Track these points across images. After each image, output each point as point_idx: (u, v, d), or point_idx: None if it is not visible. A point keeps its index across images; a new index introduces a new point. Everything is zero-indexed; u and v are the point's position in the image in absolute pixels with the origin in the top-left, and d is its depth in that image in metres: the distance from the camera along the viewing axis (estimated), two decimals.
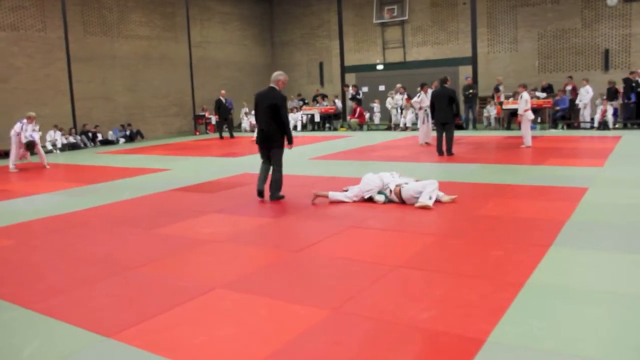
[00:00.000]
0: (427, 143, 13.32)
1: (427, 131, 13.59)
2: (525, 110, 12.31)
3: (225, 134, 19.30)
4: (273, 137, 7.35)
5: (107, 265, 4.78)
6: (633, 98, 16.14)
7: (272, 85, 7.40)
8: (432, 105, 11.78)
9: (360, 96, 20.95)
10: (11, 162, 12.50)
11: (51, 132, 16.89)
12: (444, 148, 11.47)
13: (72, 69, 17.67)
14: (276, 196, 7.41)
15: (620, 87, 16.67)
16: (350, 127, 19.98)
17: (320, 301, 3.72)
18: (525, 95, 12.43)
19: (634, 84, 16.17)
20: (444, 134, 11.49)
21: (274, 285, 4.13)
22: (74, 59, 17.84)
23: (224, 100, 19.15)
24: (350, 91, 20.80)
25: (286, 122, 7.37)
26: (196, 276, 4.40)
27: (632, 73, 16.52)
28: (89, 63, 18.82)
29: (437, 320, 3.33)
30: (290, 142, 7.45)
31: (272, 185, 7.42)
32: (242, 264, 4.67)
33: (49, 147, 16.71)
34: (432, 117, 12.05)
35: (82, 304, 3.92)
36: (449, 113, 11.41)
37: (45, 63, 17.71)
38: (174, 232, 5.91)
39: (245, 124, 22.09)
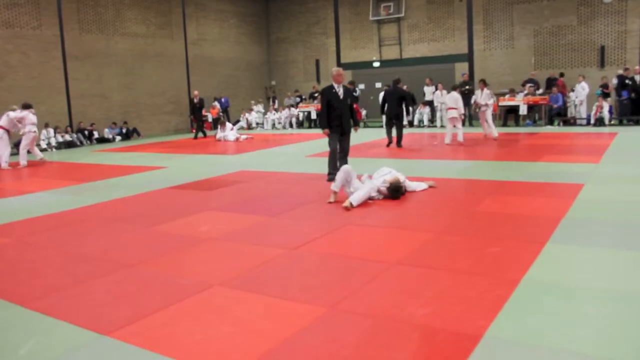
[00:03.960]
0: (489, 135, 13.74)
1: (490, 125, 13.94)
2: (479, 105, 13.50)
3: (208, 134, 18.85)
4: None
5: (104, 263, 4.78)
6: (625, 95, 16.18)
7: None
8: (384, 102, 13.25)
9: (357, 93, 20.95)
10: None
11: (44, 131, 16.82)
12: (394, 140, 12.95)
13: (67, 67, 17.60)
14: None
15: (611, 83, 16.78)
16: None
17: (317, 299, 3.72)
18: (483, 92, 13.47)
19: (627, 81, 16.21)
20: (393, 128, 13.00)
21: (271, 282, 4.13)
22: (70, 57, 17.77)
23: (195, 101, 18.38)
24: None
25: (320, 112, 8.79)
26: (193, 274, 4.40)
27: (625, 70, 16.57)
28: (84, 61, 18.76)
29: (435, 316, 3.34)
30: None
31: None
32: (239, 262, 4.67)
33: (44, 145, 16.66)
34: (382, 113, 13.62)
35: (79, 302, 3.91)
36: (398, 110, 12.89)
37: (41, 61, 17.65)
38: (171, 229, 5.90)
39: (242, 122, 22.08)
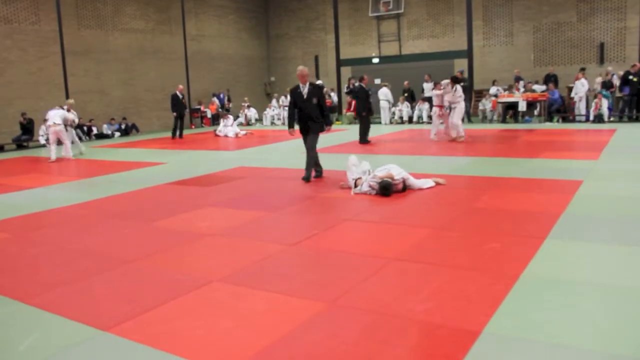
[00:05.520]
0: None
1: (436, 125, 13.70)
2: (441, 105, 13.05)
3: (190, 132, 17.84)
4: None
5: (104, 259, 4.78)
6: (627, 91, 16.15)
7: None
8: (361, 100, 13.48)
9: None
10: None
11: (42, 127, 16.76)
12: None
13: (66, 63, 17.55)
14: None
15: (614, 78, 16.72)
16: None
17: (316, 294, 3.73)
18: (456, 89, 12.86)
19: (629, 77, 16.18)
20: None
21: (270, 278, 4.13)
22: (69, 53, 17.73)
23: (180, 96, 17.21)
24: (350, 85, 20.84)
25: (288, 112, 8.68)
26: (193, 269, 4.40)
27: (633, 67, 16.54)
28: (83, 56, 18.73)
29: (434, 312, 3.35)
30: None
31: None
32: (239, 257, 4.67)
33: (42, 141, 16.64)
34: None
35: (79, 298, 3.92)
36: (362, 107, 13.09)
37: (40, 56, 17.61)
38: (171, 225, 5.91)
39: (241, 118, 22.07)
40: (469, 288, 3.71)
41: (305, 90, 8.21)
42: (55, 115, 12.79)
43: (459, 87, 12.87)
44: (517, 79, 18.58)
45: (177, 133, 17.17)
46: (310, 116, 8.21)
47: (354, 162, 7.47)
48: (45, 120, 16.46)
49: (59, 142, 12.93)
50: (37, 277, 4.43)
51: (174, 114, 17.17)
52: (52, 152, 12.66)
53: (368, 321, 3.28)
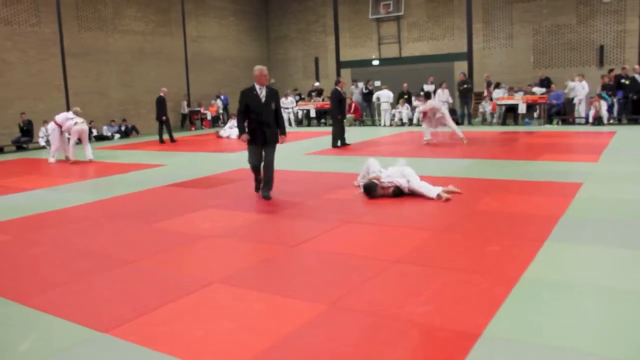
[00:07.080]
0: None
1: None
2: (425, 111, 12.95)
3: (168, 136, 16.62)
4: None
5: (104, 260, 4.78)
6: (620, 94, 16.14)
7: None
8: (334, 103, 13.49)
9: (371, 89, 20.77)
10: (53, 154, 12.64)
11: (42, 129, 16.77)
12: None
13: (66, 64, 17.51)
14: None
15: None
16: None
17: (317, 296, 3.73)
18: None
19: (622, 80, 16.17)
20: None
21: (270, 280, 4.14)
22: (69, 54, 17.71)
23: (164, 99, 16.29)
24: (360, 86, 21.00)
25: (237, 116, 7.40)
26: (193, 271, 4.40)
27: (623, 69, 16.56)
28: (83, 58, 18.72)
29: (434, 314, 3.35)
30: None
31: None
32: (239, 259, 4.68)
33: (42, 142, 16.64)
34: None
35: (79, 299, 3.92)
36: (336, 110, 13.12)
37: (39, 58, 17.61)
38: (171, 227, 5.91)
39: None
40: (469, 290, 3.71)
41: (262, 92, 7.16)
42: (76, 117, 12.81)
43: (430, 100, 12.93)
44: (488, 84, 18.66)
45: (163, 137, 16.43)
46: (267, 123, 7.14)
47: (372, 164, 7.43)
48: (45, 122, 16.52)
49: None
50: (37, 278, 4.43)
51: (164, 117, 16.30)
52: (71, 152, 12.56)
53: (368, 323, 3.28)
